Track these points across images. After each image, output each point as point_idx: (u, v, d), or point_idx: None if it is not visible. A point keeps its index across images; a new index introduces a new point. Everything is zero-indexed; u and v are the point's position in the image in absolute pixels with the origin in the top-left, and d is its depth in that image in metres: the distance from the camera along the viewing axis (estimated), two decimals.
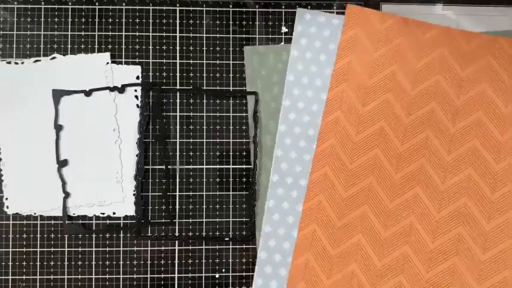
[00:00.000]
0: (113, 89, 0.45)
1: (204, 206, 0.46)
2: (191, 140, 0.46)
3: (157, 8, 0.46)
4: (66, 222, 0.45)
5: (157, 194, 0.46)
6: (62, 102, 0.45)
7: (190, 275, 0.46)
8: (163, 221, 0.46)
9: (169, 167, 0.46)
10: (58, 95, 0.45)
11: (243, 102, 0.47)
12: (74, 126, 0.45)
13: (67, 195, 0.45)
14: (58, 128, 0.45)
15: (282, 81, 0.46)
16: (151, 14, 0.46)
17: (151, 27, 0.46)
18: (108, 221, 0.46)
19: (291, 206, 0.45)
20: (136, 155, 0.45)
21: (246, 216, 0.46)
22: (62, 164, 0.45)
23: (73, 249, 0.45)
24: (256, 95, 0.46)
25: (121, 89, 0.45)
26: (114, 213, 0.45)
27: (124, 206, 0.45)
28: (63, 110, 0.45)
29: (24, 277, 0.45)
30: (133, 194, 0.45)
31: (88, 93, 0.45)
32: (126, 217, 0.45)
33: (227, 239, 0.46)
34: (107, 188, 0.45)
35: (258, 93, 0.46)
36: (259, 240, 0.45)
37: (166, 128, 0.46)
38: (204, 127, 0.46)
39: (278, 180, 0.45)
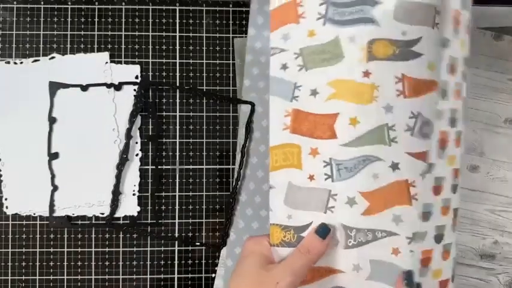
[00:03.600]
0: (109, 85, 0.45)
1: (204, 206, 0.46)
2: (191, 140, 0.46)
3: (157, 7, 0.46)
4: (53, 215, 0.44)
5: (156, 194, 0.46)
6: (61, 100, 0.45)
7: (190, 275, 0.46)
8: (149, 221, 0.45)
9: (160, 167, 0.46)
10: (54, 87, 0.45)
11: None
12: (73, 126, 0.45)
13: (55, 188, 0.44)
14: (52, 120, 0.45)
15: None
16: (150, 14, 0.46)
17: (150, 26, 0.46)
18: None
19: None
20: (136, 155, 0.45)
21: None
22: (53, 156, 0.44)
23: (72, 249, 0.45)
24: (252, 106, 0.46)
25: (118, 86, 0.45)
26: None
27: (124, 205, 0.45)
28: (63, 109, 0.45)
29: (23, 277, 0.45)
30: (113, 185, 0.45)
31: (84, 88, 0.45)
32: (125, 217, 0.45)
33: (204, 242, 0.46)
34: (107, 188, 0.45)
35: (254, 103, 0.46)
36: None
37: (165, 128, 0.46)
38: (204, 127, 0.46)
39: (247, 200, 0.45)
